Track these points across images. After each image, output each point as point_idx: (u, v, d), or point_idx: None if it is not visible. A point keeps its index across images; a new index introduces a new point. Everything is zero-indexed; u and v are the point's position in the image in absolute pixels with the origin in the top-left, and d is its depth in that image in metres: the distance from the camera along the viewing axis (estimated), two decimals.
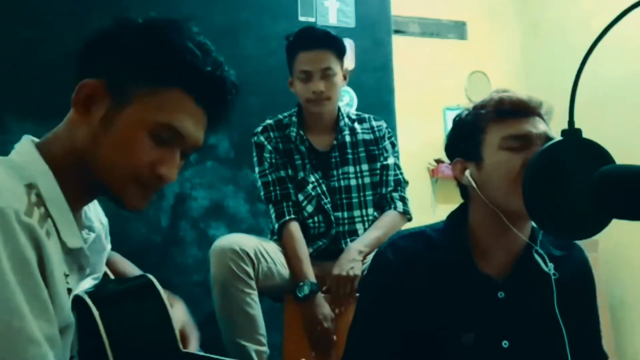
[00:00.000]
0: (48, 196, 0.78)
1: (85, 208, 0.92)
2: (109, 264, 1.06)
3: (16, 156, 0.82)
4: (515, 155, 1.05)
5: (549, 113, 1.10)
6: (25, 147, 0.83)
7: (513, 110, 1.07)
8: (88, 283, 0.89)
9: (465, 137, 1.13)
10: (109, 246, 1.08)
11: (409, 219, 1.97)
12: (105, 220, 1.05)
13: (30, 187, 0.77)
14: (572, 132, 0.70)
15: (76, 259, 0.84)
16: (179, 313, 0.98)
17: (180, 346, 0.89)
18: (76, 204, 0.85)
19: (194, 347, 0.97)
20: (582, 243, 1.21)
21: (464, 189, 1.17)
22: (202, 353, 0.95)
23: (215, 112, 0.88)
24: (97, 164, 0.82)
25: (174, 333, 0.88)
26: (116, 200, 0.85)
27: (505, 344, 1.08)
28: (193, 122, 0.84)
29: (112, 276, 1.03)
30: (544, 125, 1.08)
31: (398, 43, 3.00)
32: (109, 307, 0.82)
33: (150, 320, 0.88)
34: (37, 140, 0.85)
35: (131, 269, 1.12)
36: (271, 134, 1.93)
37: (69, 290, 0.81)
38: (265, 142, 1.91)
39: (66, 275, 0.80)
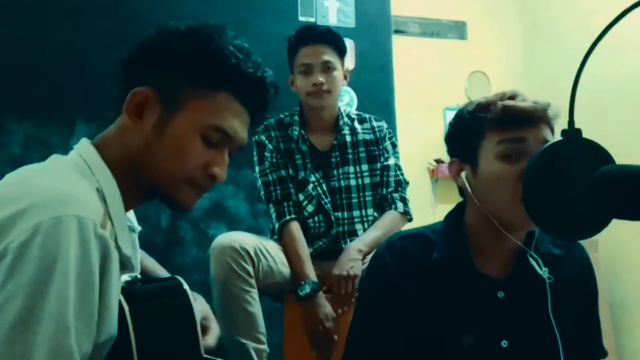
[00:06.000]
0: (110, 202, 0.80)
1: None
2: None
3: (80, 159, 0.83)
4: (511, 167, 1.02)
5: (555, 117, 1.07)
6: (88, 150, 0.84)
7: (516, 121, 1.04)
8: (123, 278, 0.91)
9: (463, 138, 1.11)
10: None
11: (410, 220, 1.97)
12: (135, 221, 1.07)
13: (97, 192, 0.79)
14: (572, 132, 0.70)
15: (124, 262, 0.86)
16: (200, 307, 1.02)
17: (202, 351, 0.91)
18: (127, 208, 0.87)
19: (212, 338, 1.02)
20: (582, 243, 1.21)
21: (461, 188, 1.16)
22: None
23: (257, 112, 0.93)
24: (152, 169, 0.85)
25: (197, 337, 0.91)
26: (169, 201, 0.88)
27: (504, 343, 1.08)
28: (239, 122, 0.89)
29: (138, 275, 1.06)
30: (546, 132, 1.05)
31: (398, 43, 3.00)
32: (139, 304, 0.85)
33: (177, 321, 0.91)
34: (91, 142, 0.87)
35: (159, 270, 1.17)
36: (272, 133, 1.93)
37: None
38: (266, 141, 1.91)
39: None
